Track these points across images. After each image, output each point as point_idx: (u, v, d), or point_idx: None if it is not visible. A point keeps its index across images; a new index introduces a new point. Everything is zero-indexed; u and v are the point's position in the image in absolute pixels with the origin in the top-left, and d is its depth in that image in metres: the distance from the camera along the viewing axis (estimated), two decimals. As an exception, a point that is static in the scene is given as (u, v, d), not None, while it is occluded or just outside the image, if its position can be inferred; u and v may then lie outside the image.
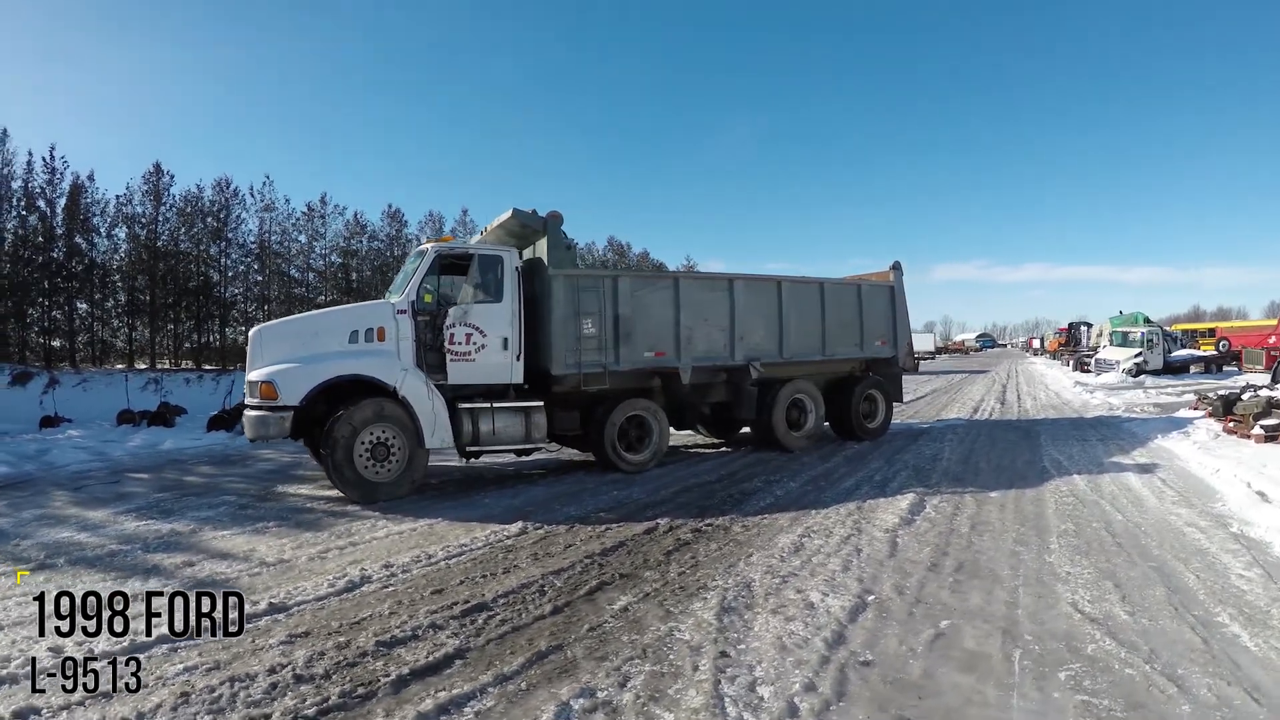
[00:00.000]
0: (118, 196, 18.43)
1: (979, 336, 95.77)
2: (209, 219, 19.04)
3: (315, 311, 7.53)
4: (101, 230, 17.36)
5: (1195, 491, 6.43)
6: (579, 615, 3.73)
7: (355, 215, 24.63)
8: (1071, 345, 31.60)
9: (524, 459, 8.73)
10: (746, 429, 10.06)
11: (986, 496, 6.34)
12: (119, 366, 15.87)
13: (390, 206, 28.91)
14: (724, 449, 10.05)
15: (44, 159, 17.14)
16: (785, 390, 9.46)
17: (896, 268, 11.19)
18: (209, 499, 6.95)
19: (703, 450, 9.95)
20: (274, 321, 7.42)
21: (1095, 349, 27.05)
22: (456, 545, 5.14)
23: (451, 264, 7.62)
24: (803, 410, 9.75)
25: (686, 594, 3.98)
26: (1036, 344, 56.23)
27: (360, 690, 2.92)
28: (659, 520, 5.71)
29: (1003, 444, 9.77)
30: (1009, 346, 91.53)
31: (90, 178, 18.11)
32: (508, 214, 7.88)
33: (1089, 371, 25.30)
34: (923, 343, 65.95)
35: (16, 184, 15.74)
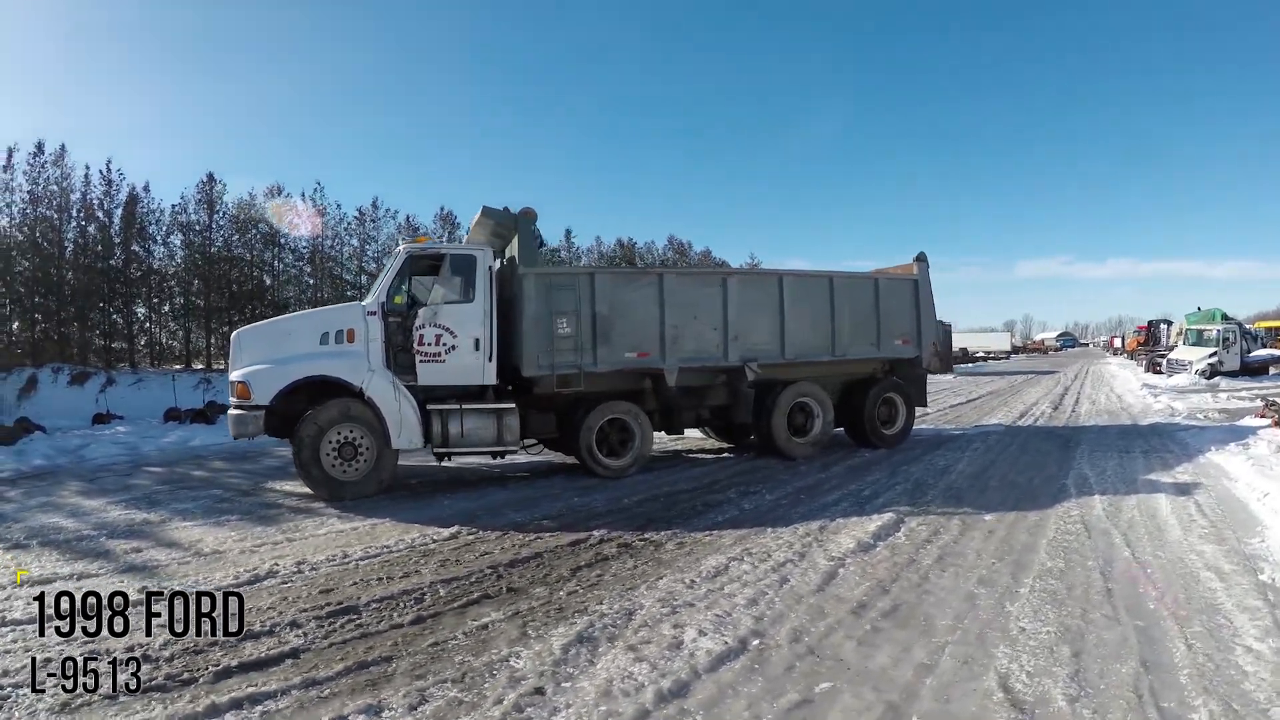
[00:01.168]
0: (173, 206, 19.13)
1: (1060, 335, 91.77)
2: (261, 225, 19.90)
3: (291, 314, 7.81)
4: (158, 238, 18.35)
5: (1233, 521, 5.22)
6: (434, 628, 3.54)
7: (408, 218, 24.08)
8: (1150, 344, 28.74)
9: (520, 460, 8.45)
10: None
11: (978, 520, 5.42)
12: (176, 367, 16.93)
13: (443, 209, 29.67)
14: (725, 454, 9.44)
15: (101, 172, 17.84)
16: (787, 393, 8.70)
17: (921, 259, 9.94)
18: (198, 492, 7.18)
19: (703, 455, 9.30)
20: (253, 325, 7.76)
21: (1172, 348, 24.47)
22: (379, 546, 5.04)
23: (425, 265, 7.43)
24: (809, 415, 8.92)
25: (559, 617, 3.63)
26: (1118, 343, 53.17)
27: (186, 675, 2.99)
28: (595, 531, 5.35)
29: (1032, 455, 8.58)
30: (1091, 346, 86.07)
31: (146, 189, 18.68)
32: (480, 213, 7.83)
33: (1160, 373, 22.91)
34: (998, 342, 60.85)
35: (75, 196, 16.80)
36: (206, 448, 10.51)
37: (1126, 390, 18.93)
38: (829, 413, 9.07)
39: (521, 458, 8.29)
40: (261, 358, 6.93)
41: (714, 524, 5.58)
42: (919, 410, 10.53)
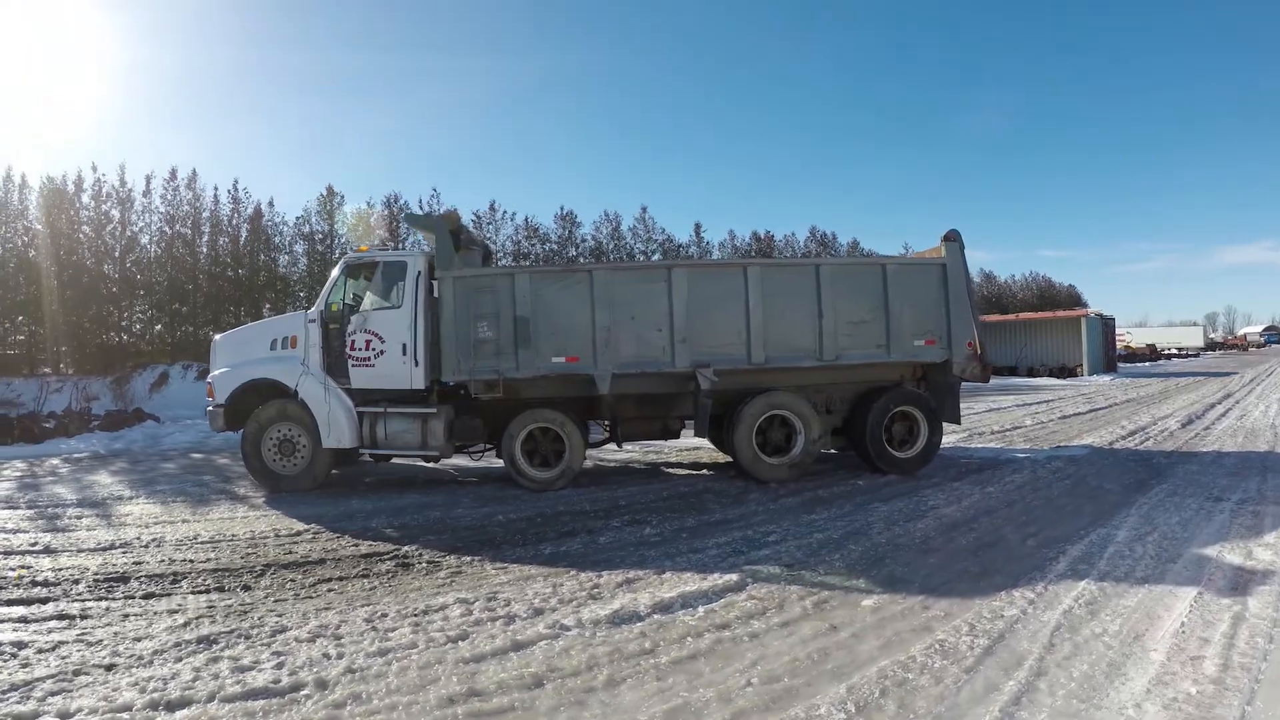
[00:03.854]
0: (296, 218, 21.29)
1: (1265, 330, 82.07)
2: (380, 232, 23.72)
3: (254, 323, 9.10)
4: (284, 247, 20.65)
5: (1274, 666, 2.86)
6: (144, 603, 4.08)
7: (526, 220, 24.40)
8: None
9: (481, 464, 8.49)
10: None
11: (848, 604, 3.82)
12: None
13: (562, 209, 27.54)
14: (705, 472, 8.17)
15: (229, 191, 20.53)
16: (754, 405, 7.44)
17: (952, 239, 7.81)
18: (192, 477, 8.20)
19: (676, 472, 8.32)
20: (226, 332, 9.21)
21: None
22: (228, 535, 5.54)
23: (363, 272, 7.71)
24: (791, 430, 7.63)
25: (232, 617, 3.78)
26: None
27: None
28: (409, 546, 5.14)
29: (1075, 498, 6.22)
30: None
31: (270, 204, 21.04)
32: (404, 219, 8.31)
33: None
34: (1189, 337, 55.99)
35: (206, 214, 19.70)
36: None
37: (1301, 402, 13.72)
38: (813, 429, 7.52)
39: (433, 463, 8.15)
40: (227, 361, 7.65)
41: (533, 556, 4.90)
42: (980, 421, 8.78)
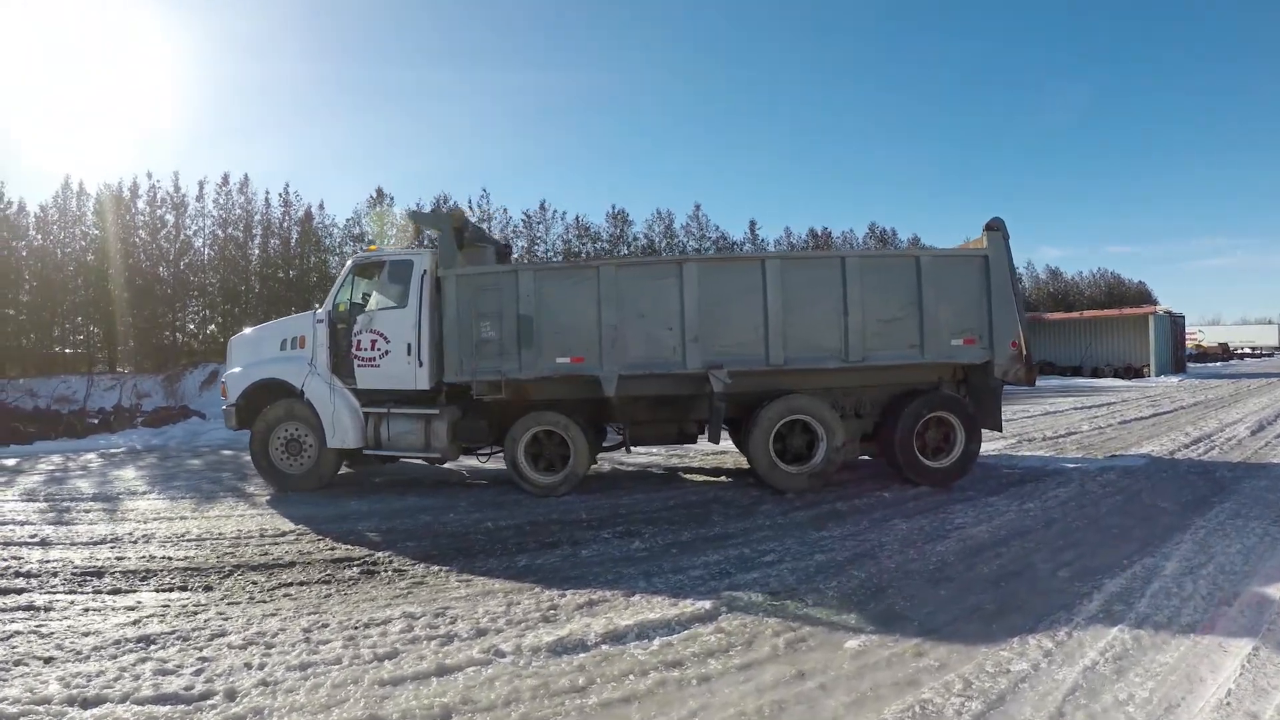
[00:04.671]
0: (347, 219, 22.15)
1: None
2: (430, 233, 24.12)
3: (269, 323, 9.11)
4: (334, 249, 20.96)
5: None
6: (102, 598, 4.20)
7: (577, 218, 24.62)
8: None
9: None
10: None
11: (828, 645, 3.34)
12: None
13: (614, 207, 27.86)
14: (723, 479, 7.74)
15: (280, 195, 21.09)
16: (771, 409, 6.97)
17: (995, 228, 7.07)
18: (210, 475, 8.42)
19: (694, 478, 7.90)
20: (241, 332, 9.29)
21: None
22: (216, 533, 5.62)
23: (371, 272, 7.67)
24: (813, 437, 7.11)
25: (181, 616, 3.79)
26: None
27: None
28: (384, 552, 4.98)
29: (1126, 517, 5.46)
30: None
31: (320, 206, 21.86)
32: (408, 217, 8.11)
33: None
34: (1263, 336, 52.48)
35: (257, 217, 20.29)
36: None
37: None
38: (836, 435, 6.96)
39: (440, 464, 7.99)
40: (241, 361, 7.78)
41: (504, 569, 4.63)
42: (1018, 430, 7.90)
